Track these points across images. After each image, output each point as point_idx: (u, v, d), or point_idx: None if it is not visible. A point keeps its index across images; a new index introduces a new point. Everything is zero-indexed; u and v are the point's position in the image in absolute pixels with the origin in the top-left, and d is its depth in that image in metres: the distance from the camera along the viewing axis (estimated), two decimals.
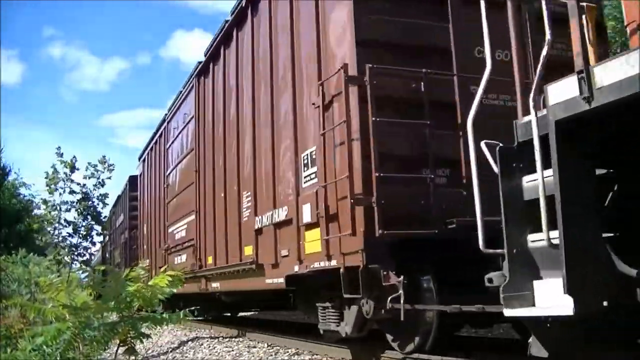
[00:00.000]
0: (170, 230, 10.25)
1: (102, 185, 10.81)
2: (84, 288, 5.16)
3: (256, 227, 6.14)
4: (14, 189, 26.80)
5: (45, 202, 10.77)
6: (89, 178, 10.66)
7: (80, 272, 11.47)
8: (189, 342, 7.80)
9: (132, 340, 4.18)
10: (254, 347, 6.66)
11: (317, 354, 5.68)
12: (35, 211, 24.04)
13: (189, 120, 9.03)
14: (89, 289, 4.83)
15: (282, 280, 5.52)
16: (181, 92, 9.86)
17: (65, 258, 10.86)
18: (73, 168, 10.42)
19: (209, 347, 7.04)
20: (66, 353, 4.00)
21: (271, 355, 5.98)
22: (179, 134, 9.76)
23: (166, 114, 11.08)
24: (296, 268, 5.21)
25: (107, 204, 11.79)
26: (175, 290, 4.44)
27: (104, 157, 10.70)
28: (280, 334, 7.07)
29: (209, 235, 7.95)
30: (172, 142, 10.24)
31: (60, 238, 11.00)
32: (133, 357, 4.24)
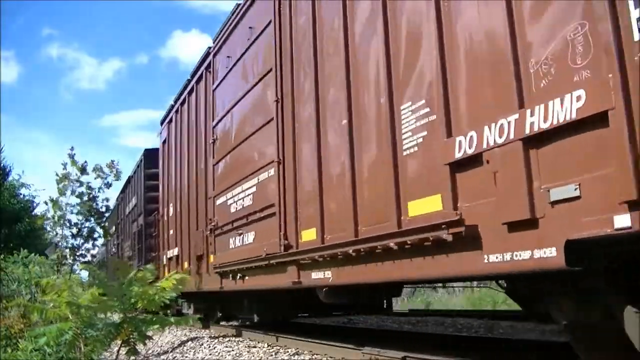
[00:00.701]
0: (219, 202, 7.31)
1: (108, 187, 10.72)
2: (88, 287, 4.87)
3: (456, 158, 3.24)
4: (14, 189, 26.09)
5: (53, 201, 10.32)
6: (95, 178, 10.51)
7: (80, 272, 11.32)
8: (189, 342, 7.44)
9: (134, 341, 3.90)
10: (254, 347, 6.42)
11: (317, 354, 5.45)
12: (37, 210, 24.34)
13: (261, 32, 6.10)
14: (94, 288, 4.16)
15: (552, 252, 2.62)
16: (238, 5, 6.96)
17: (68, 259, 10.60)
18: (84, 171, 10.23)
19: (209, 347, 6.75)
20: (69, 353, 3.90)
21: (271, 355, 5.75)
22: (238, 60, 6.79)
23: (210, 47, 8.13)
24: (624, 221, 2.32)
25: (110, 208, 11.71)
26: (174, 295, 4.03)
27: (112, 161, 10.49)
28: (280, 334, 6.70)
29: (306, 196, 5.03)
30: (225, 77, 7.24)
31: (63, 238, 10.63)
32: (134, 357, 3.99)
